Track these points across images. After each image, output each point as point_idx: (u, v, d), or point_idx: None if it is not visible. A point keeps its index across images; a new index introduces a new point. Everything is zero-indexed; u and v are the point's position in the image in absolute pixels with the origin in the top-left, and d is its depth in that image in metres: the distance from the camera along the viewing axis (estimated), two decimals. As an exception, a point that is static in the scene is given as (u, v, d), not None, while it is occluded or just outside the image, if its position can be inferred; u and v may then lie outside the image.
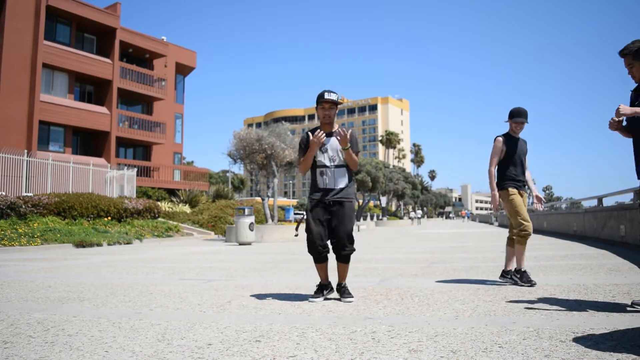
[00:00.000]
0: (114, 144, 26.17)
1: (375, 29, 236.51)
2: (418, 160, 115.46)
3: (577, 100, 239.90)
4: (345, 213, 3.81)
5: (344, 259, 3.88)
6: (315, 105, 3.97)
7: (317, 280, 4.06)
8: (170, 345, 2.53)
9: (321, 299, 3.89)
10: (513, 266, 4.67)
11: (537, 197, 4.77)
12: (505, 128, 4.83)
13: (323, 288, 3.96)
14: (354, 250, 3.90)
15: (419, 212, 53.44)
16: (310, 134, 3.90)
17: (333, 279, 4.11)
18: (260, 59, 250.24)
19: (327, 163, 3.85)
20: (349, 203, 3.87)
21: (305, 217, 3.97)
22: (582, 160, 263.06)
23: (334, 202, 3.82)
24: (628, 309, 3.24)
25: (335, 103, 3.84)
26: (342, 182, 3.86)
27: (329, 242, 3.88)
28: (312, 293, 4.00)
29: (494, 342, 2.47)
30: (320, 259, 3.88)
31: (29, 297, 4.22)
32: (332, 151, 3.85)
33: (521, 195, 4.72)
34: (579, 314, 3.14)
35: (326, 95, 3.80)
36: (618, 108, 3.27)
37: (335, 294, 4.03)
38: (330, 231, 3.85)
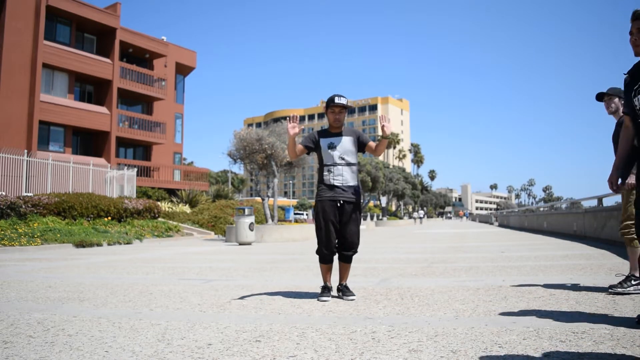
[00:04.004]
0: (114, 144, 26.17)
1: (375, 29, 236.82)
2: (418, 160, 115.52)
3: (577, 100, 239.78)
4: (355, 216, 3.89)
5: (347, 259, 3.95)
6: (325, 109, 4.02)
7: (317, 280, 4.06)
8: (170, 345, 2.53)
9: (329, 297, 3.90)
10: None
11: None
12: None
13: (328, 288, 3.99)
14: (357, 251, 3.98)
15: (421, 212, 53.47)
16: (316, 134, 3.99)
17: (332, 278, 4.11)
18: (260, 59, 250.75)
19: (337, 161, 3.89)
20: (359, 205, 3.94)
21: (314, 219, 4.01)
22: (582, 160, 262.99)
23: (345, 202, 3.87)
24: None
25: (345, 107, 3.90)
26: (352, 181, 3.92)
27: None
28: (319, 292, 4.02)
29: (494, 342, 2.47)
30: (328, 260, 3.92)
31: (29, 297, 4.22)
32: (341, 151, 3.90)
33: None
34: (579, 313, 3.14)
35: (336, 100, 3.86)
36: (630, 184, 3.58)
37: (335, 293, 4.06)
38: (336, 230, 3.90)
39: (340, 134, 3.94)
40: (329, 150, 3.90)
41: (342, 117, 3.91)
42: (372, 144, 3.98)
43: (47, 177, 16.87)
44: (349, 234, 3.85)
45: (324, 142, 3.93)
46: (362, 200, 33.46)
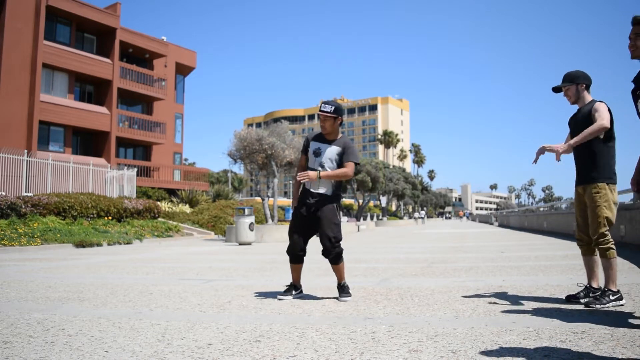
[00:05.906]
0: (114, 144, 26.16)
1: (375, 29, 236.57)
2: (418, 160, 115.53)
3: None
4: (325, 217, 3.87)
5: (333, 261, 3.95)
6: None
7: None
8: (170, 345, 2.53)
9: (289, 297, 3.96)
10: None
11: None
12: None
13: (292, 288, 4.04)
14: (340, 251, 3.89)
15: (422, 212, 53.70)
16: (310, 137, 4.05)
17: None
18: (260, 59, 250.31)
19: (316, 168, 3.93)
20: (328, 207, 3.90)
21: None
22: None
23: (314, 205, 3.90)
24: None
25: (328, 115, 3.87)
26: (324, 189, 3.92)
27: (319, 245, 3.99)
28: (282, 291, 4.08)
29: (494, 342, 2.47)
30: (295, 260, 4.00)
31: (29, 297, 4.22)
32: (323, 159, 3.92)
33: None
34: (579, 313, 3.14)
35: (322, 107, 3.91)
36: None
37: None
38: (305, 234, 3.98)
39: (331, 142, 3.95)
40: (314, 156, 3.96)
41: (327, 124, 3.90)
42: (346, 165, 3.91)
43: (47, 177, 16.86)
44: (324, 238, 3.85)
45: (313, 146, 3.98)
46: (362, 201, 33.16)
